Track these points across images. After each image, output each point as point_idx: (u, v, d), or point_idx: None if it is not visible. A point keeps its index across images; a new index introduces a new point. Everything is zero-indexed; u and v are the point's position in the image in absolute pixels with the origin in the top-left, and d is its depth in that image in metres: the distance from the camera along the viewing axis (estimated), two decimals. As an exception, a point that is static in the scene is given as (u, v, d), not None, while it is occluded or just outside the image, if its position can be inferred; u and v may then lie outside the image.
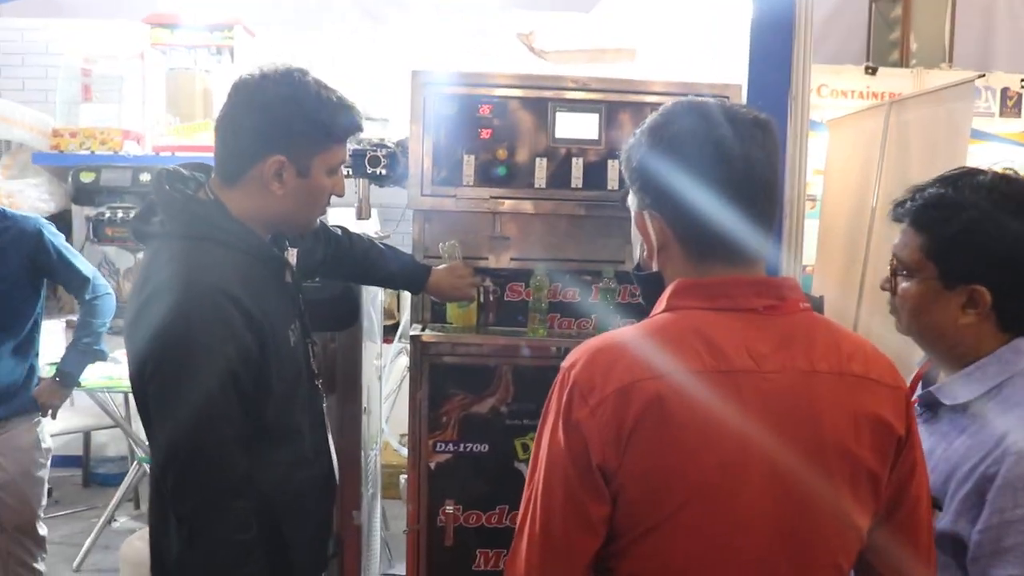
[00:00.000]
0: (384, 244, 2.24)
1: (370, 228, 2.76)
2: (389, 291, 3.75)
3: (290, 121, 1.58)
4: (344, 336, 2.60)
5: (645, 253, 1.20)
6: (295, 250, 1.81)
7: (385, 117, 3.75)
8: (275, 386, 1.56)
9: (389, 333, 3.69)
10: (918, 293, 1.39)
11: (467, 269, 2.32)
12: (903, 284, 1.42)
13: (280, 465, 1.61)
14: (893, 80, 5.14)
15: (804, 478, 1.07)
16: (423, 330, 2.38)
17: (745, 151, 1.12)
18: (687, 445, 1.05)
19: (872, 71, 5.14)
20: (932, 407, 1.42)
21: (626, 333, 1.13)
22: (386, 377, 3.61)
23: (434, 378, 2.45)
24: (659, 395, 1.04)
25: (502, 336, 2.38)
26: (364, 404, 2.71)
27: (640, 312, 2.68)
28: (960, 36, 5.86)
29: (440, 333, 2.37)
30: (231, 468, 1.49)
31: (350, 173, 2.32)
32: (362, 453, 2.81)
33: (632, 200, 1.22)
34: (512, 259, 2.43)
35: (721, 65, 2.54)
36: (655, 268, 1.20)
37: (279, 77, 1.60)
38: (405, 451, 4.21)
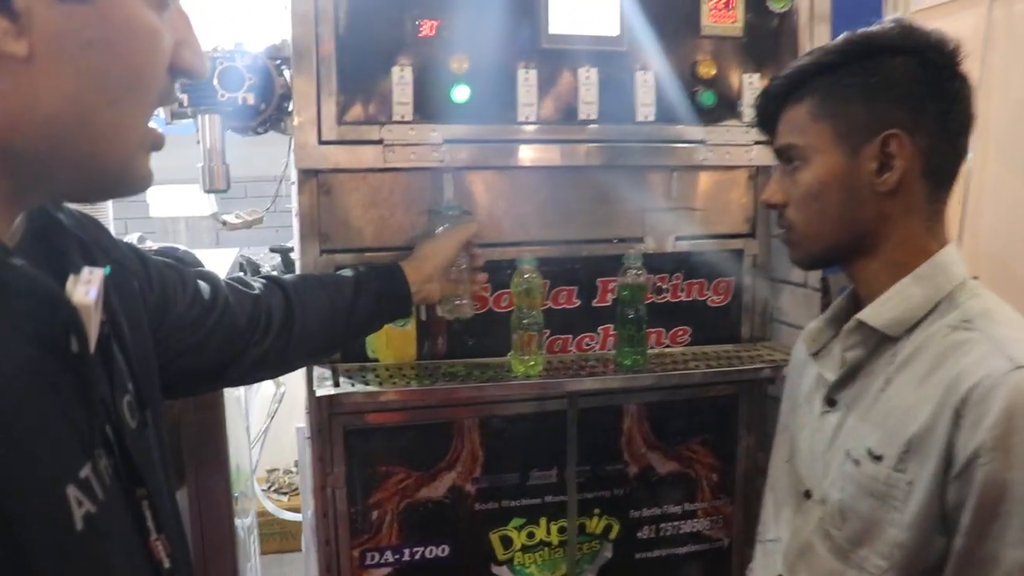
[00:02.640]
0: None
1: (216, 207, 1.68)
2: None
3: None
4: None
5: None
6: (99, 272, 0.70)
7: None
8: None
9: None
10: None
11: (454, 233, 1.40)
12: None
13: None
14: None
15: None
16: (335, 379, 1.38)
17: None
18: None
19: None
20: None
21: None
22: (250, 411, 2.57)
23: (355, 452, 1.48)
24: None
25: (468, 381, 1.41)
26: (235, 492, 1.67)
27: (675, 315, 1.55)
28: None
29: (359, 387, 1.36)
30: None
31: (186, 105, 1.25)
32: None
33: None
34: (479, 245, 1.46)
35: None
36: None
37: None
38: (280, 512, 3.20)
